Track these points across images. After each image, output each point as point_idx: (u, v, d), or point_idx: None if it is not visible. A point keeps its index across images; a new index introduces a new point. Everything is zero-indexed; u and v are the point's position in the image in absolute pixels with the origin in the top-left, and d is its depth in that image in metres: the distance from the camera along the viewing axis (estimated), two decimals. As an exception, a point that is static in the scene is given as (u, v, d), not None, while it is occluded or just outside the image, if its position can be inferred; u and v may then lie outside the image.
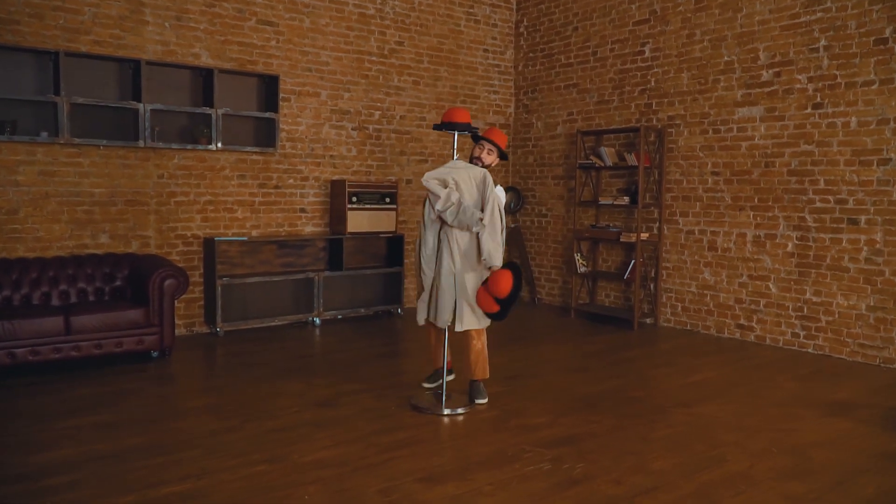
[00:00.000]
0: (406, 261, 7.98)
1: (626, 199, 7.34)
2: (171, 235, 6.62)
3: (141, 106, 6.12)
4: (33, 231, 5.95)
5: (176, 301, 5.86)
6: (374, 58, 7.76)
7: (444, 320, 4.67)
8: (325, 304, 7.19)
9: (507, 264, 4.61)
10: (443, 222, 4.69)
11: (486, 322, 4.75)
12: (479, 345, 4.76)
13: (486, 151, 4.69)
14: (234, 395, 4.86)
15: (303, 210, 7.40)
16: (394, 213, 7.55)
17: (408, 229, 8.11)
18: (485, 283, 4.56)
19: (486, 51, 8.68)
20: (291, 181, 7.30)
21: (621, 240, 7.31)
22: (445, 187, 4.60)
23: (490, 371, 4.95)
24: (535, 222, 8.79)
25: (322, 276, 7.14)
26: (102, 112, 6.11)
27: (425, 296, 4.82)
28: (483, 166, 4.67)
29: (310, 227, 7.47)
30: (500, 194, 4.72)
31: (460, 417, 4.49)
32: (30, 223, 5.93)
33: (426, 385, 5.06)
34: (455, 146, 4.73)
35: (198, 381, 5.36)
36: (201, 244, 6.73)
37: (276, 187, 7.21)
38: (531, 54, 8.73)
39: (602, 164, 7.51)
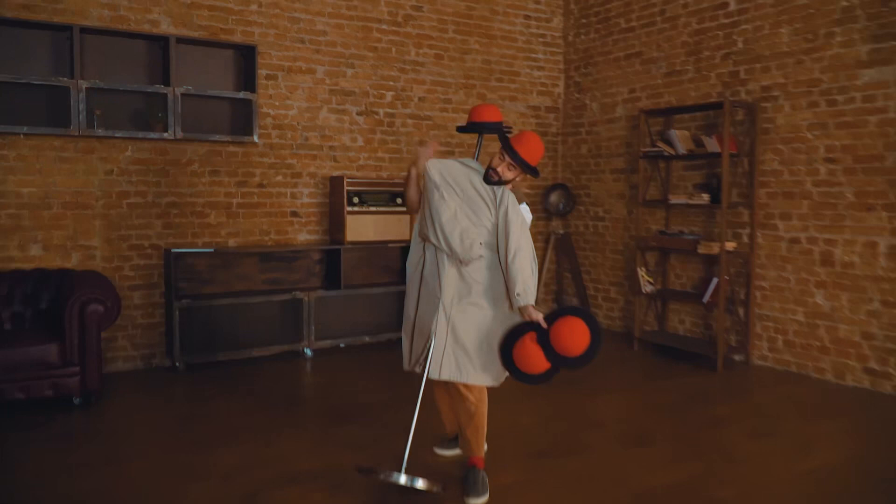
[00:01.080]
0: (425, 276, 6.48)
1: (706, 196, 5.62)
2: (124, 246, 5.32)
3: (73, 83, 4.83)
4: (-59, 242, 4.74)
5: (103, 332, 4.51)
6: (384, 26, 6.29)
7: (419, 365, 3.45)
8: (318, 330, 5.75)
9: (573, 309, 3.22)
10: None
11: (501, 378, 3.38)
12: (476, 405, 3.34)
13: (505, 165, 3.32)
14: (144, 468, 3.45)
15: (294, 214, 5.99)
16: (407, 217, 6.06)
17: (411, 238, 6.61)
18: (520, 329, 3.19)
19: (527, 17, 7.09)
20: (280, 178, 5.90)
21: (699, 251, 5.59)
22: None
23: (509, 442, 3.45)
24: (589, 227, 7.13)
25: (313, 297, 5.71)
26: (29, 91, 4.85)
27: (408, 327, 3.54)
28: (497, 182, 3.33)
29: (304, 234, 6.05)
30: (526, 214, 3.40)
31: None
32: (-64, 232, 4.73)
33: (440, 452, 3.77)
34: (479, 148, 3.54)
35: (108, 442, 3.97)
36: (162, 256, 5.41)
37: (260, 186, 5.83)
38: (583, 20, 7.09)
39: (673, 153, 5.82)
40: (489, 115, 3.50)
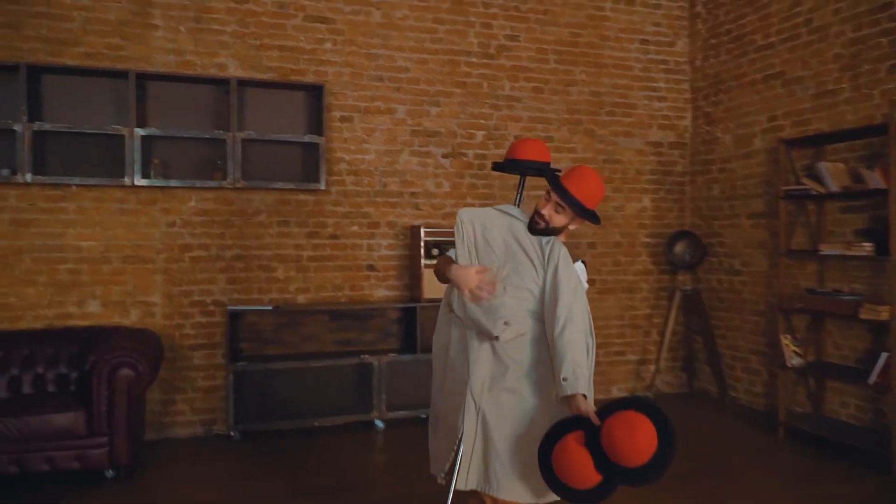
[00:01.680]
0: (519, 338, 5.64)
1: (868, 246, 4.36)
2: (185, 302, 4.98)
3: (128, 131, 4.59)
4: (2, 297, 4.61)
5: (132, 396, 4.08)
6: (474, 59, 5.66)
7: (444, 472, 2.75)
8: (390, 399, 5.07)
9: (636, 401, 2.46)
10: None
11: (545, 497, 2.60)
12: None
13: (551, 206, 2.65)
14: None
15: (371, 267, 5.41)
16: (496, 270, 5.29)
17: (527, 293, 5.78)
18: (564, 426, 2.44)
19: (644, 42, 6.18)
20: (355, 228, 5.37)
21: (862, 315, 4.32)
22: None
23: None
24: (723, 283, 5.96)
25: (385, 361, 5.05)
26: (87, 142, 4.67)
27: (434, 423, 2.89)
28: (543, 230, 2.65)
29: (382, 290, 5.45)
30: (582, 275, 2.76)
31: None
32: (-3, 287, 4.60)
33: None
34: (522, 192, 2.87)
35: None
36: (225, 314, 5.01)
37: (333, 237, 5.32)
38: (713, 40, 6.06)
39: (822, 191, 4.63)
40: (535, 152, 2.81)
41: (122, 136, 4.60)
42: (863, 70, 4.76)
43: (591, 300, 5.82)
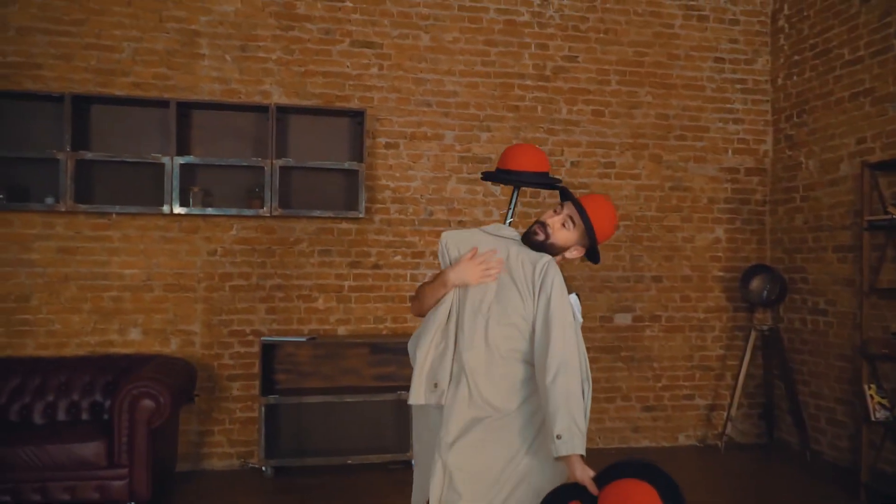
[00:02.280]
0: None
1: (968, 286, 3.75)
2: (224, 332, 4.92)
3: (168, 160, 4.60)
4: (47, 323, 4.69)
5: (152, 427, 4.00)
6: (528, 82, 5.39)
7: None
8: (428, 440, 4.80)
9: (640, 466, 2.15)
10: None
11: None
12: None
13: (560, 219, 2.37)
14: None
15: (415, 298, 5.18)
16: (546, 305, 4.94)
17: (582, 329, 5.39)
18: (559, 496, 2.17)
19: (719, 61, 5.71)
20: (398, 258, 5.17)
21: (960, 367, 3.71)
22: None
23: None
24: (807, 323, 5.35)
25: (423, 399, 4.79)
26: (131, 171, 4.71)
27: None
28: (541, 242, 2.36)
29: (426, 323, 5.21)
30: (575, 308, 2.38)
31: None
32: (43, 313, 4.69)
33: None
34: (514, 207, 2.65)
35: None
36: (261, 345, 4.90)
37: (376, 267, 5.14)
38: (796, 57, 5.52)
39: (914, 222, 4.05)
40: (530, 161, 2.51)
41: (162, 165, 4.61)
42: (966, 85, 4.15)
43: (656, 338, 5.41)
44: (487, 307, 2.29)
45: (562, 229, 2.35)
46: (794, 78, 5.53)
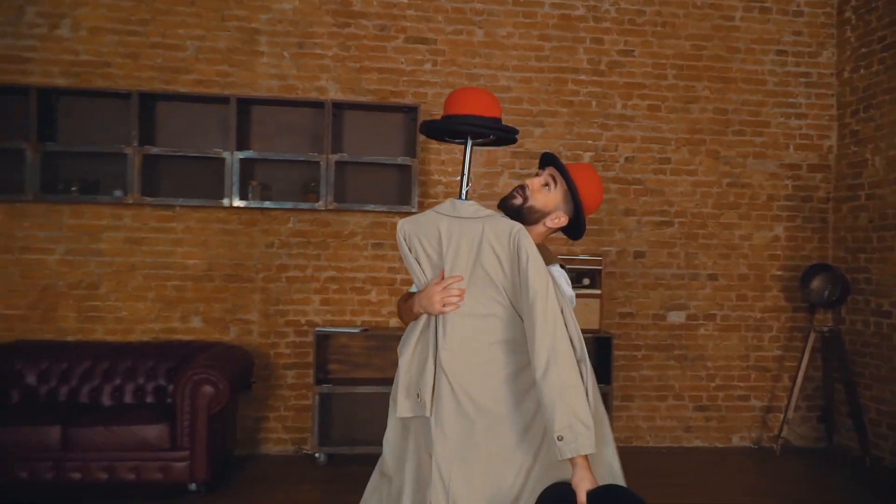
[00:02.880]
0: (617, 374, 5.22)
1: None
2: (281, 321, 5.06)
3: (228, 155, 4.75)
4: (115, 310, 4.92)
5: (211, 412, 4.15)
6: (582, 76, 5.35)
7: None
8: (477, 433, 4.85)
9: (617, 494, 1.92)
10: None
11: None
12: None
13: (540, 180, 2.15)
14: None
15: (466, 293, 5.23)
16: (597, 301, 4.93)
17: (621, 325, 5.35)
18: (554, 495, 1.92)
19: (781, 53, 5.56)
20: (450, 253, 5.22)
21: None
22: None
23: None
24: (870, 325, 5.18)
25: (472, 392, 4.84)
26: (194, 165, 4.89)
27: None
28: (518, 207, 2.14)
29: (476, 317, 5.25)
30: (560, 279, 2.09)
31: None
32: (111, 300, 4.92)
33: None
34: (468, 169, 2.20)
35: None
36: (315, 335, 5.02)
37: (428, 261, 5.20)
38: (863, 49, 5.33)
39: (985, 223, 3.88)
40: (478, 104, 2.10)
41: (223, 159, 4.76)
42: None
43: (710, 337, 5.33)
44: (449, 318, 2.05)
45: (542, 190, 2.14)
46: (861, 71, 5.34)
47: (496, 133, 2.13)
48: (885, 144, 5.09)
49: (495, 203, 2.29)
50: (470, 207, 2.07)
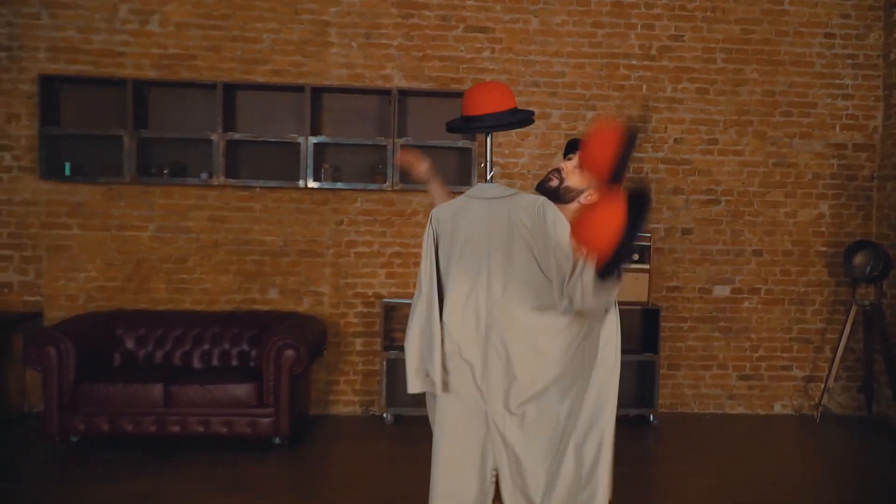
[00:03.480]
0: (664, 344, 5.53)
1: None
2: (349, 293, 5.49)
3: (303, 140, 5.16)
4: (201, 282, 5.41)
5: (293, 374, 4.61)
6: (633, 61, 5.60)
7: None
8: (532, 397, 5.23)
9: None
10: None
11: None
12: None
13: (573, 163, 2.28)
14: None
15: (521, 268, 5.59)
16: (646, 276, 5.23)
17: (668, 298, 5.64)
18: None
19: (829, 36, 5.71)
20: (506, 230, 5.57)
21: None
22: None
23: None
24: (911, 299, 5.39)
25: (527, 360, 5.21)
26: (271, 149, 5.31)
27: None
28: (555, 188, 2.28)
29: (531, 290, 5.61)
30: None
31: None
32: (198, 273, 5.41)
33: None
34: (490, 158, 2.55)
35: (279, 488, 4.01)
36: (382, 306, 5.44)
37: (485, 237, 5.56)
38: (911, 31, 5.47)
39: None
40: (493, 101, 2.34)
41: (298, 144, 5.18)
42: None
43: (754, 310, 5.65)
44: (489, 282, 2.26)
45: (575, 171, 2.27)
46: (909, 53, 5.49)
47: (509, 128, 2.40)
48: (930, 125, 5.25)
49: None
50: (497, 189, 2.31)
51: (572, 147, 2.38)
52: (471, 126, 2.37)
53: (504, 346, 2.25)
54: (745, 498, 3.98)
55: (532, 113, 2.45)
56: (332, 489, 4.07)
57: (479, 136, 5.19)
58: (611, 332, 2.28)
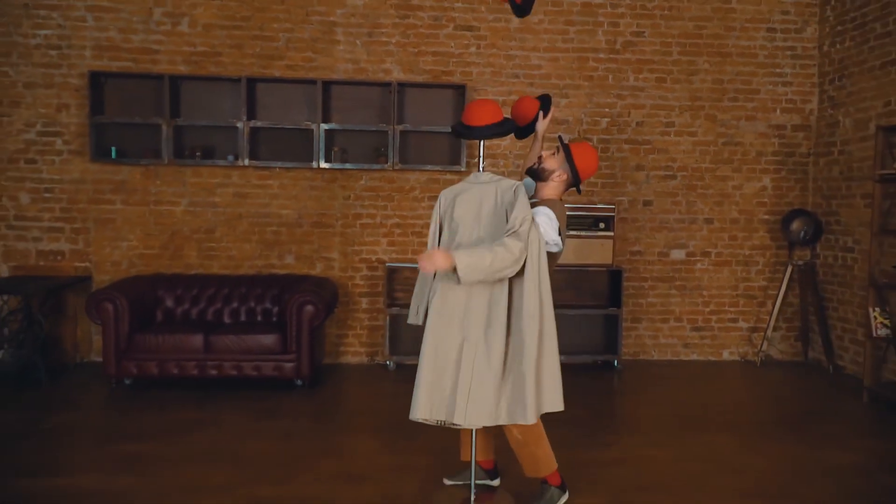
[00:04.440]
0: (627, 300, 6.43)
1: (945, 227, 4.69)
2: (356, 259, 6.35)
3: (315, 126, 5.99)
4: (227, 250, 6.25)
5: (312, 326, 5.49)
6: (601, 55, 6.44)
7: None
8: (514, 345, 6.12)
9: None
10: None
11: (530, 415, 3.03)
12: (520, 437, 3.29)
13: (550, 151, 3.35)
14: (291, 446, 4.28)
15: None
16: (610, 241, 6.10)
17: (631, 261, 6.53)
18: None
19: (771, 30, 6.56)
20: (491, 202, 6.42)
21: (936, 291, 4.68)
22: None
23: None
24: (837, 259, 6.30)
25: (510, 313, 6.10)
26: (287, 135, 6.14)
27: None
28: (535, 169, 3.31)
29: (513, 255, 6.47)
30: (544, 222, 3.11)
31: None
32: (224, 242, 6.24)
33: (448, 482, 3.69)
34: (482, 156, 3.33)
35: (305, 419, 4.89)
36: (385, 269, 6.30)
37: (473, 209, 6.41)
38: (839, 27, 6.31)
39: (911, 175, 4.96)
40: (485, 115, 3.10)
41: (311, 130, 6.00)
42: (969, 59, 4.96)
43: (706, 270, 6.57)
44: (475, 240, 3.08)
45: (550, 157, 3.26)
46: (837, 46, 6.35)
47: (497, 137, 3.23)
48: (853, 109, 6.13)
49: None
50: (486, 176, 3.20)
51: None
52: (468, 134, 3.16)
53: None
54: (692, 419, 4.88)
55: (514, 125, 3.31)
56: (347, 416, 4.96)
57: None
58: (531, 289, 3.03)
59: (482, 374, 3.04)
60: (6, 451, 4.02)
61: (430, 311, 3.20)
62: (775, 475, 3.89)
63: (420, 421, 3.16)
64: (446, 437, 4.08)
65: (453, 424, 3.11)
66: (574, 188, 3.40)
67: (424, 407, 3.10)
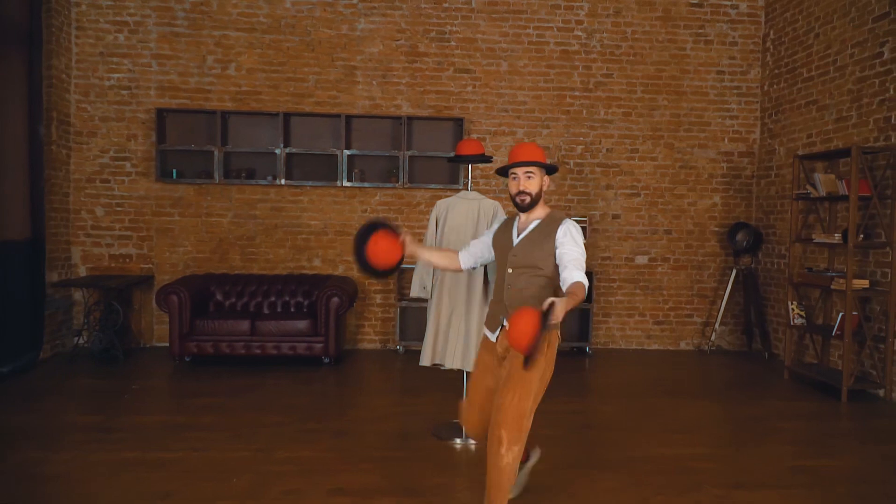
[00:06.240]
0: (598, 298, 7.67)
1: (838, 236, 5.93)
2: (372, 262, 7.61)
3: (339, 152, 7.29)
4: (265, 254, 7.53)
5: (338, 315, 6.76)
6: (576, 93, 7.73)
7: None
8: (502, 334, 7.37)
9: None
10: None
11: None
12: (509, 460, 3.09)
13: (522, 179, 3.04)
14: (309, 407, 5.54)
15: (495, 243, 7.72)
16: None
17: (602, 265, 7.78)
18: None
19: (720, 73, 7.85)
20: (485, 216, 7.70)
21: (832, 287, 5.92)
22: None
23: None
24: (774, 264, 7.54)
25: (499, 307, 7.36)
26: (316, 159, 7.44)
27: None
28: (531, 201, 3.06)
29: (503, 259, 7.74)
30: (573, 231, 3.07)
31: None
32: (263, 248, 7.53)
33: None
34: (469, 178, 4.70)
35: (334, 390, 6.15)
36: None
37: (470, 221, 7.69)
38: (776, 70, 7.59)
39: (816, 195, 6.20)
40: (471, 149, 4.40)
41: (336, 155, 7.30)
42: (864, 102, 6.23)
43: (665, 273, 7.82)
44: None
45: (529, 181, 3.03)
46: (774, 86, 7.62)
47: (478, 163, 4.49)
48: (786, 139, 7.39)
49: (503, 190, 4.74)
50: (473, 194, 4.52)
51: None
52: (458, 160, 4.51)
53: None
54: (640, 388, 6.10)
55: (491, 158, 4.58)
56: (366, 383, 6.21)
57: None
58: (479, 283, 4.35)
59: (460, 334, 4.32)
60: (114, 401, 5.29)
61: (433, 292, 4.46)
62: (694, 419, 5.12)
63: (427, 366, 4.48)
64: (443, 397, 5.33)
65: (441, 366, 4.45)
66: (550, 173, 3.26)
67: (428, 357, 4.38)
